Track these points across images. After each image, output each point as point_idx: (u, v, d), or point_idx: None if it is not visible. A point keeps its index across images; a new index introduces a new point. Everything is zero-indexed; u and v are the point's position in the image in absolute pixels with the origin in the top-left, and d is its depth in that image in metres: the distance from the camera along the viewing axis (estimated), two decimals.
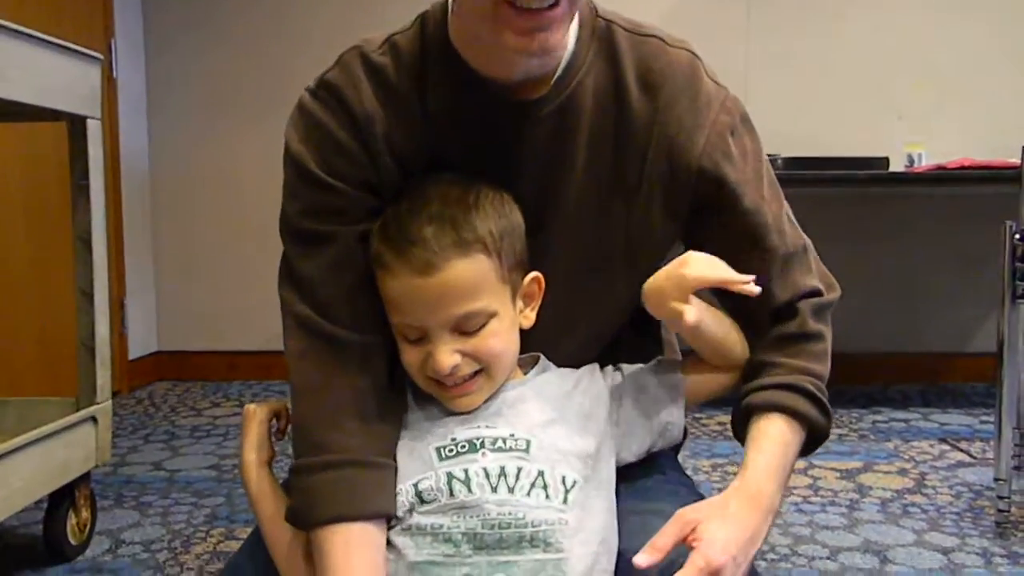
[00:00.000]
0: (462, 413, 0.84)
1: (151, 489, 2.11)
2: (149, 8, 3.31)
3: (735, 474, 0.84)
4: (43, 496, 1.59)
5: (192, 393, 3.15)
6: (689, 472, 1.02)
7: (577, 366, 0.92)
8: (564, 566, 0.76)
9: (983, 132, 3.03)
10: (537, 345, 0.91)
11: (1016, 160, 1.84)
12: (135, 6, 3.28)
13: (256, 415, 0.93)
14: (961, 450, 2.39)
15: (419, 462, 0.82)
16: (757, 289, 0.81)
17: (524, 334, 0.87)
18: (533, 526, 0.77)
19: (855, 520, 1.87)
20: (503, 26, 0.75)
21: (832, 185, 2.75)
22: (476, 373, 0.83)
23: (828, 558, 1.68)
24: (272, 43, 3.26)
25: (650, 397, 0.89)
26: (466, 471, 0.79)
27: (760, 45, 3.15)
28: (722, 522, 0.77)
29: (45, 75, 1.51)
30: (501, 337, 0.83)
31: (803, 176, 2.60)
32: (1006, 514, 1.77)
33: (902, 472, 2.20)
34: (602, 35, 0.87)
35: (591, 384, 0.89)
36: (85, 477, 1.70)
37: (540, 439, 0.82)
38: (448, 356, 0.81)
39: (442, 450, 0.82)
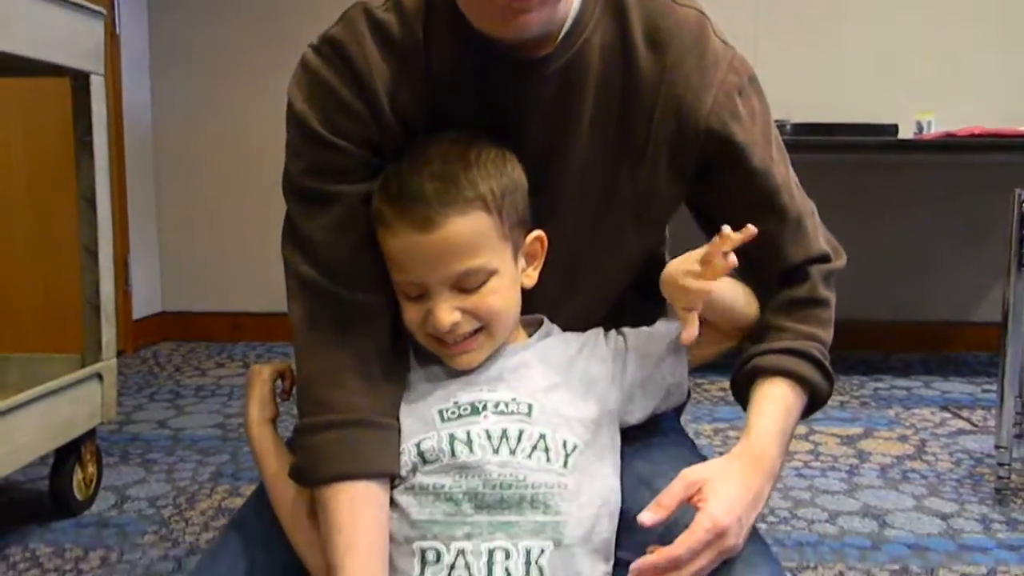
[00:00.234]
0: (464, 374, 0.85)
1: (156, 447, 2.12)
2: None
3: (736, 438, 0.84)
4: (49, 452, 1.61)
5: (197, 354, 3.17)
6: (691, 436, 1.02)
7: (582, 328, 0.91)
8: (562, 528, 0.77)
9: (995, 101, 2.99)
10: (541, 306, 0.91)
11: None
12: None
13: (261, 374, 0.95)
14: (962, 418, 2.39)
15: (421, 423, 0.83)
16: (754, 230, 0.76)
17: (528, 295, 0.87)
18: (533, 488, 0.78)
19: (855, 485, 1.88)
20: None
21: (840, 151, 2.73)
22: (477, 331, 0.83)
23: (827, 521, 1.69)
24: (277, 0, 3.22)
25: (654, 360, 0.89)
26: (468, 432, 0.80)
27: (770, 10, 3.10)
28: (727, 483, 0.77)
29: (48, 29, 1.49)
30: (501, 295, 0.83)
31: (811, 142, 2.58)
32: (1006, 481, 1.78)
33: (902, 439, 2.20)
34: None
35: (595, 348, 0.89)
36: (91, 433, 1.72)
37: (542, 403, 0.82)
38: (448, 313, 0.81)
39: (444, 412, 0.82)
